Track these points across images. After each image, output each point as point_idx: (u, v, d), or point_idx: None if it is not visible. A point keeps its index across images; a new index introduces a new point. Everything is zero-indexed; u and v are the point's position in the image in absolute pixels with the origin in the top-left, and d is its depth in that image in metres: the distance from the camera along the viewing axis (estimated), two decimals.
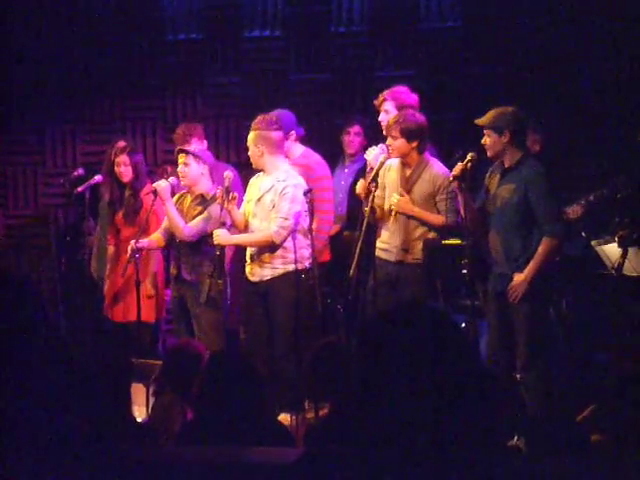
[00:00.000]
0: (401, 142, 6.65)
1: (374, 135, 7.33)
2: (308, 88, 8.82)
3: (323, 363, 4.87)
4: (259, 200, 6.88)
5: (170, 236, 7.21)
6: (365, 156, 6.87)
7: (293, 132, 7.33)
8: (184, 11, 9.12)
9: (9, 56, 9.10)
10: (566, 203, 7.17)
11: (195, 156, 7.09)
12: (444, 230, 6.70)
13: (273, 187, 6.81)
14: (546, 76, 8.26)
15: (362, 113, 8.06)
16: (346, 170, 8.00)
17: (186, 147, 7.31)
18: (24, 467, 2.84)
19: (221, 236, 6.77)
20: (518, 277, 6.21)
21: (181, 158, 7.11)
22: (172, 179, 7.18)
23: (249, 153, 6.93)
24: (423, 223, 6.72)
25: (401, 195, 6.72)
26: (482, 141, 6.29)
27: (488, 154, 6.32)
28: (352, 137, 8.04)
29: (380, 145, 6.83)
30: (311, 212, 6.77)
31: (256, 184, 6.96)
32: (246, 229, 6.94)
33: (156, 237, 7.28)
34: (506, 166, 6.30)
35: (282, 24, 9.01)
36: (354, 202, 7.57)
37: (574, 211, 7.23)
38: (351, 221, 7.75)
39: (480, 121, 6.27)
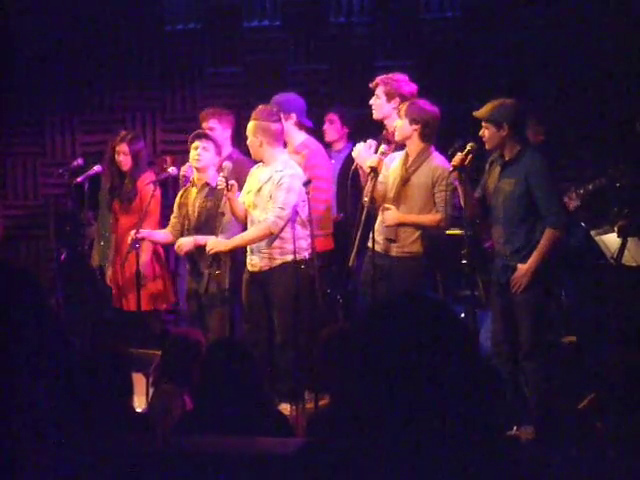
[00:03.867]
0: (402, 123, 6.65)
1: (368, 124, 7.31)
2: (307, 79, 8.81)
3: (327, 353, 4.86)
4: (259, 191, 6.87)
5: (179, 232, 7.19)
6: (353, 153, 6.81)
7: (294, 115, 7.30)
8: (183, 1, 9.11)
9: (9, 47, 9.09)
10: (566, 193, 7.17)
11: (213, 140, 7.06)
12: (442, 226, 6.66)
13: (271, 178, 6.81)
14: (546, 66, 8.25)
15: (360, 104, 8.04)
16: (333, 161, 7.98)
17: (206, 130, 7.25)
18: (22, 456, 2.84)
19: (217, 244, 6.76)
20: (521, 268, 6.21)
21: (199, 142, 7.03)
22: (172, 168, 7.18)
23: (248, 142, 6.91)
24: (419, 225, 6.68)
25: (388, 209, 6.69)
26: (480, 133, 6.28)
27: (486, 146, 6.32)
28: (326, 125, 8.03)
29: (369, 141, 6.78)
30: (309, 203, 6.76)
31: (256, 175, 6.95)
32: (246, 219, 6.92)
33: (164, 232, 7.27)
34: (506, 159, 6.30)
35: (281, 14, 9.00)
36: (344, 192, 7.56)
37: (570, 199, 7.22)
38: (342, 211, 7.75)
39: (478, 113, 6.26)
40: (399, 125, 6.67)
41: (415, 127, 6.63)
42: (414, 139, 6.67)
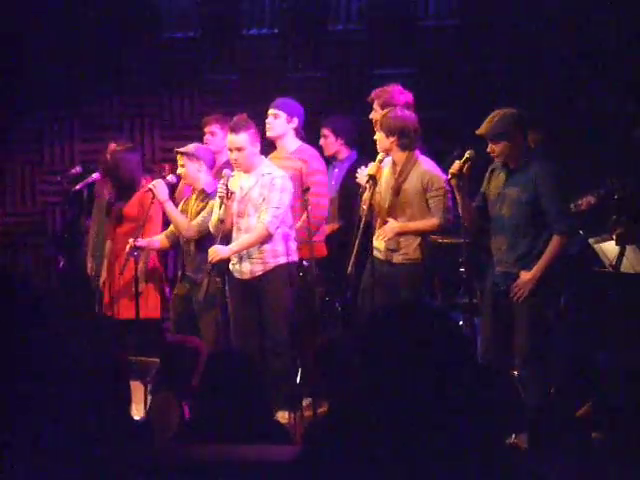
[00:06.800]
0: (380, 136, 6.69)
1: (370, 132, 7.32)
2: (305, 86, 8.82)
3: (325, 360, 4.86)
4: (243, 198, 6.85)
5: (176, 238, 7.23)
6: (358, 179, 6.83)
7: (296, 119, 7.35)
8: (182, 9, 9.12)
9: (8, 54, 9.09)
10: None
11: (188, 155, 7.11)
12: (438, 231, 6.68)
13: (258, 182, 6.82)
14: (543, 74, 8.26)
15: (358, 112, 8.04)
16: (336, 170, 8.00)
17: (181, 148, 7.29)
18: (22, 466, 2.83)
19: (219, 251, 6.74)
20: (525, 275, 6.17)
21: (179, 160, 7.16)
22: (171, 176, 7.20)
23: (243, 154, 6.81)
24: (418, 232, 6.70)
25: (385, 223, 6.72)
26: (488, 150, 6.21)
27: (496, 160, 6.26)
28: (321, 141, 8.05)
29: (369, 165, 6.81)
30: (307, 210, 6.79)
31: (234, 185, 6.89)
32: (231, 230, 6.91)
33: (160, 239, 7.31)
34: (512, 167, 6.24)
35: (280, 22, 9.01)
36: (346, 201, 7.57)
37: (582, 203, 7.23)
38: (343, 220, 7.75)
39: (482, 131, 6.17)
40: (378, 138, 6.70)
41: (392, 139, 6.65)
42: (395, 150, 6.69)
